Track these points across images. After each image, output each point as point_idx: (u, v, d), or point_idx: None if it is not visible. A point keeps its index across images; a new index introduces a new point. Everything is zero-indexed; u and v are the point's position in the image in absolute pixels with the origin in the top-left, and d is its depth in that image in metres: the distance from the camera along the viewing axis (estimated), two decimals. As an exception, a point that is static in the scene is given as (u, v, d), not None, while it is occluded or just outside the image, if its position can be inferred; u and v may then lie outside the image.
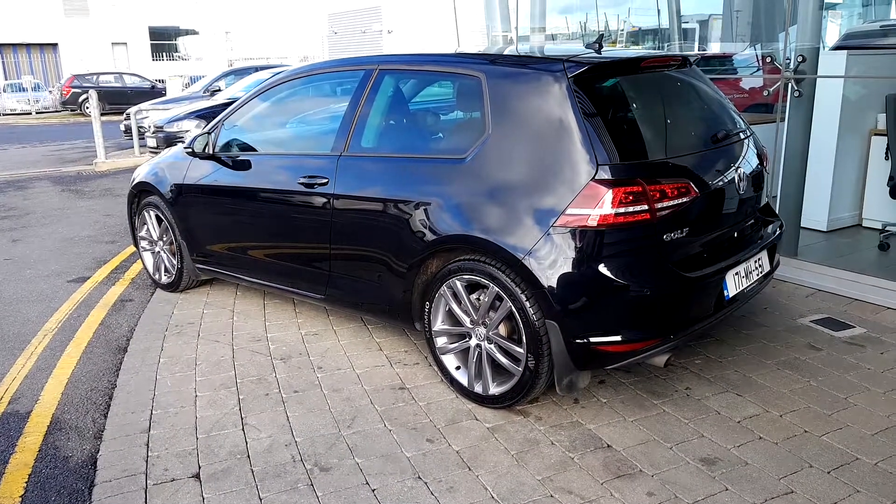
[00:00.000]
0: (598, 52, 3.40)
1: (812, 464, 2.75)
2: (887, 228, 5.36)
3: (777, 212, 4.44)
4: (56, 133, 18.76)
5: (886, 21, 9.54)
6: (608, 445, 2.92)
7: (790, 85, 4.90)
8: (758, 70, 8.07)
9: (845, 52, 5.74)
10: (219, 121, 4.44)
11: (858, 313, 4.24)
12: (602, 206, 2.80)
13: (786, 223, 4.04)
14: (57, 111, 26.89)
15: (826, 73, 5.31)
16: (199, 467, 2.87)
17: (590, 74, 3.05)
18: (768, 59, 7.45)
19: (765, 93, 5.71)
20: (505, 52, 3.70)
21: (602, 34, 3.47)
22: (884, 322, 4.10)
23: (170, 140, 10.45)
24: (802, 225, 5.26)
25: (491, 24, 8.91)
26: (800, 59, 4.84)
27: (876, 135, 5.75)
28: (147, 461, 2.92)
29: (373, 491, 2.67)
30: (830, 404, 3.19)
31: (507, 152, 3.07)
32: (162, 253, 4.96)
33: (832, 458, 2.78)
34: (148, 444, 3.05)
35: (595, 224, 2.81)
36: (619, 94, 3.28)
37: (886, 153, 5.45)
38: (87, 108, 21.14)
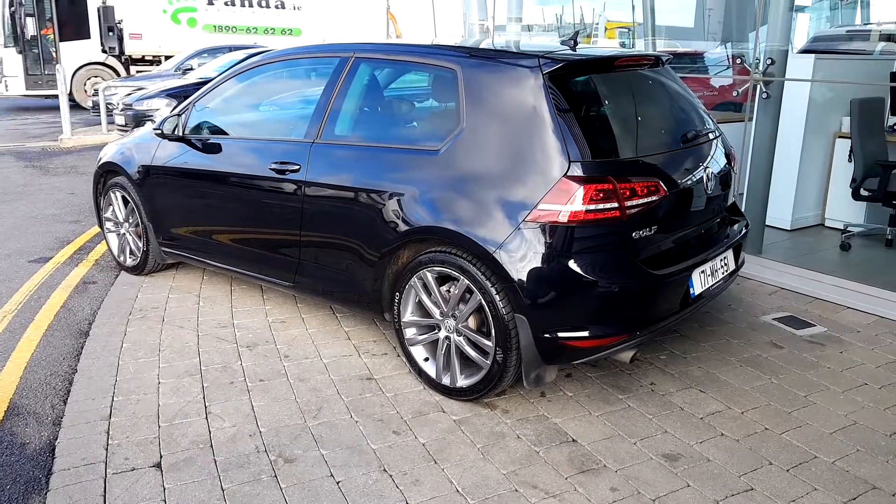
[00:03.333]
0: (573, 48, 3.40)
1: (772, 461, 2.81)
2: (849, 229, 5.49)
3: (743, 210, 4.51)
4: (20, 107, 18.24)
5: (852, 26, 9.72)
6: (573, 440, 2.95)
7: (759, 86, 4.97)
8: (727, 69, 8.16)
9: (813, 55, 5.84)
10: (190, 102, 4.37)
11: (819, 312, 4.33)
12: (573, 203, 2.82)
13: (751, 221, 4.11)
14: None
15: (794, 76, 5.40)
16: (161, 456, 2.83)
17: (564, 71, 3.05)
18: (738, 61, 7.54)
19: (734, 93, 5.79)
20: (482, 45, 3.68)
21: (578, 31, 3.47)
22: (843, 321, 4.19)
23: (139, 118, 10.22)
24: (767, 223, 5.36)
25: (468, 12, 8.86)
26: (769, 61, 4.91)
27: (840, 137, 5.87)
28: (107, 449, 2.87)
29: (337, 483, 2.66)
30: (791, 402, 3.26)
31: (480, 146, 3.07)
32: (127, 235, 4.87)
33: (791, 456, 2.84)
34: (108, 432, 3.00)
35: (565, 220, 2.83)
36: (592, 92, 3.29)
37: (850, 156, 5.58)
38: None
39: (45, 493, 2.63)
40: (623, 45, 10.28)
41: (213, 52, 14.03)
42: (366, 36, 19.43)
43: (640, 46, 8.47)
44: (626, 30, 10.17)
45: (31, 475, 2.77)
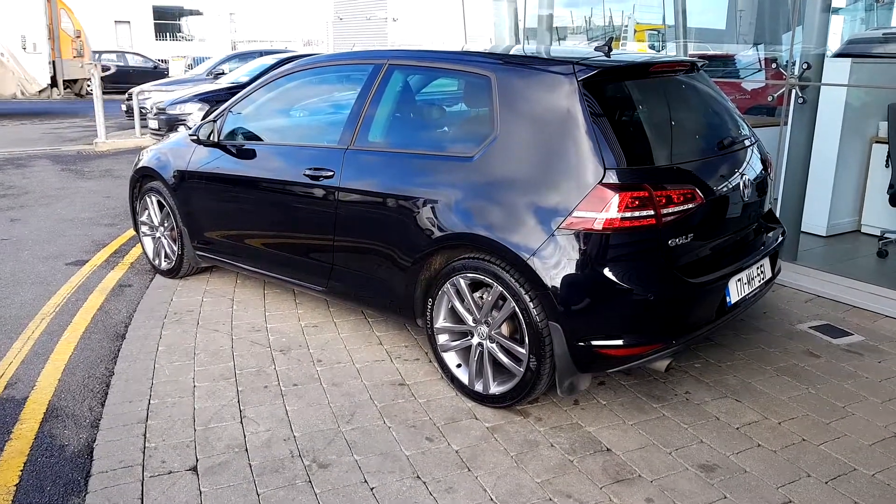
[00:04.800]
0: (607, 55, 3.38)
1: (810, 473, 2.77)
2: (886, 235, 5.38)
3: (778, 215, 4.44)
4: (56, 110, 18.63)
5: (888, 28, 9.51)
6: (608, 449, 2.93)
7: (794, 91, 4.90)
8: (759, 71, 8.04)
9: (849, 59, 5.74)
10: (225, 108, 4.42)
11: (856, 320, 4.25)
12: (608, 210, 2.80)
13: (786, 227, 4.05)
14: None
15: (830, 80, 5.31)
16: (197, 460, 2.86)
17: (599, 78, 3.04)
18: (773, 65, 7.43)
19: (769, 97, 5.70)
20: (515, 52, 3.68)
21: (612, 37, 3.46)
22: (881, 330, 4.11)
23: (172, 122, 10.39)
24: (802, 229, 5.28)
25: (498, 15, 8.86)
26: (805, 66, 4.84)
27: (877, 142, 5.77)
28: (144, 452, 2.92)
29: (371, 490, 2.67)
30: (829, 413, 3.21)
31: (514, 153, 3.06)
32: (163, 239, 4.94)
33: (830, 468, 2.80)
34: (145, 435, 3.04)
35: (601, 227, 2.82)
36: (627, 98, 3.27)
37: (887, 161, 5.48)
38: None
39: (84, 496, 2.67)
40: (653, 47, 10.19)
41: (244, 56, 14.23)
42: (12, 27, 15.96)
43: (671, 49, 8.39)
44: (656, 32, 10.08)
45: (70, 477, 2.82)
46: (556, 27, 9.34)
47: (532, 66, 3.22)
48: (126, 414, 3.21)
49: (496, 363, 3.19)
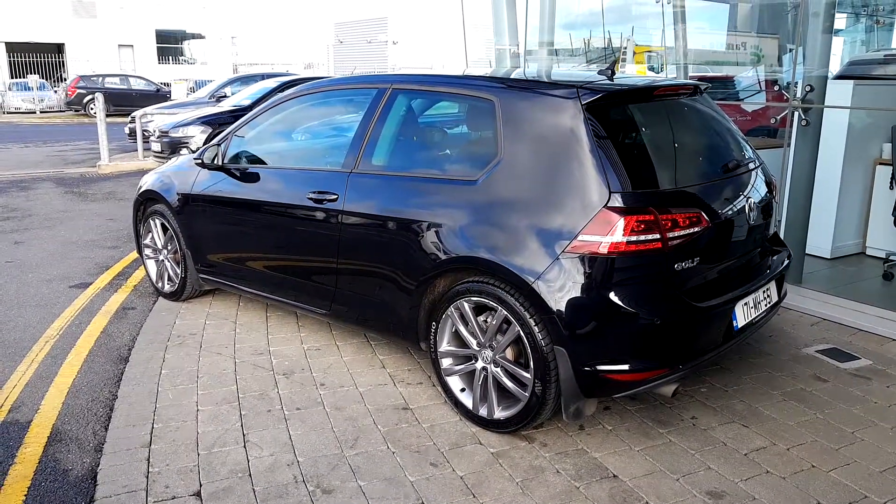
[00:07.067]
0: (611, 78, 3.39)
1: (820, 500, 2.73)
2: (891, 258, 5.37)
3: (782, 238, 4.43)
4: (60, 133, 18.74)
5: (889, 49, 9.56)
6: (614, 475, 2.90)
7: (797, 113, 4.91)
8: (759, 93, 8.07)
9: (852, 81, 5.76)
10: (229, 132, 4.44)
11: (864, 344, 4.22)
12: (614, 234, 2.79)
13: (790, 249, 4.04)
14: (61, 111, 26.91)
15: (832, 102, 5.32)
16: (201, 485, 2.84)
17: (603, 102, 3.05)
18: (776, 87, 7.45)
19: (772, 120, 5.71)
20: (518, 75, 3.70)
21: (615, 60, 3.47)
22: (889, 354, 4.08)
23: (175, 145, 10.45)
24: (806, 252, 5.26)
25: (498, 38, 8.92)
26: (808, 88, 4.85)
27: (881, 164, 5.76)
28: (148, 477, 2.89)
29: (376, 515, 2.65)
30: (837, 439, 3.17)
31: (519, 176, 3.07)
32: (166, 261, 4.94)
33: (841, 496, 2.76)
34: (149, 460, 3.02)
35: (606, 251, 2.81)
36: (631, 122, 3.28)
37: (891, 183, 5.48)
38: (92, 109, 21.09)
39: (87, 522, 2.65)
40: (652, 69, 10.24)
41: (246, 80, 14.35)
42: None
43: (671, 71, 8.42)
44: (656, 54, 10.12)
45: (74, 502, 2.79)
46: (556, 49, 9.40)
47: (536, 89, 3.23)
48: (130, 438, 3.19)
49: (501, 388, 3.17)
